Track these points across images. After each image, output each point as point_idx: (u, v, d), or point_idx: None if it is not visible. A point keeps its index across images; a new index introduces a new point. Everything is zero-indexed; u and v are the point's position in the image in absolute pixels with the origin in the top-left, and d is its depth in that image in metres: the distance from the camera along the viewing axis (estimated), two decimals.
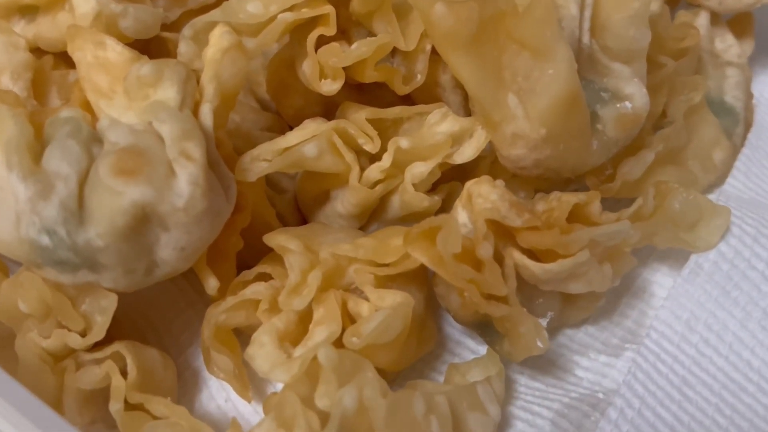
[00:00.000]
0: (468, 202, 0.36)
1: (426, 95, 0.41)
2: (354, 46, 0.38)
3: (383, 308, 0.34)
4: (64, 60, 0.40)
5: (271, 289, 0.36)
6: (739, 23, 0.49)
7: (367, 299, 0.35)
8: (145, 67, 0.33)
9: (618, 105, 0.37)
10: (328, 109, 0.42)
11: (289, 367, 0.32)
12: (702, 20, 0.46)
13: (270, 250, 0.37)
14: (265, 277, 0.37)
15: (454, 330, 0.41)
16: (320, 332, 0.33)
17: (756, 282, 0.39)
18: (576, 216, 0.37)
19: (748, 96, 0.47)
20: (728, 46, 0.47)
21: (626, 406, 0.36)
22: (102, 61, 0.34)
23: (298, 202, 0.42)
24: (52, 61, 0.40)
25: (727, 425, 0.36)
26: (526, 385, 0.39)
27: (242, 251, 0.39)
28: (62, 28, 0.39)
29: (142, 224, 0.31)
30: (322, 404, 0.30)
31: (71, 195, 0.30)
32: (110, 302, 0.34)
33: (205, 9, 0.43)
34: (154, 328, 0.41)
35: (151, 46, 0.44)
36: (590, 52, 0.37)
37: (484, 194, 0.35)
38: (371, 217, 0.41)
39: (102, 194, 0.30)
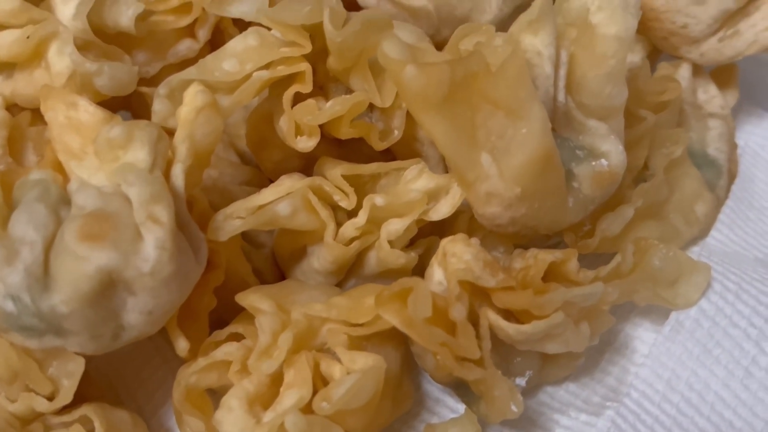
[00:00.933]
0: (443, 260, 0.36)
1: (405, 149, 0.41)
2: (329, 104, 0.38)
3: (355, 371, 0.33)
4: (41, 116, 0.40)
5: (243, 349, 0.35)
6: (722, 74, 0.49)
7: (340, 360, 0.34)
8: (116, 129, 0.33)
9: (593, 163, 0.37)
10: (308, 162, 0.42)
11: None
12: (684, 72, 0.46)
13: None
14: (237, 336, 0.36)
15: (433, 387, 0.40)
16: (290, 396, 0.33)
17: (738, 340, 0.38)
18: (553, 274, 0.36)
19: (732, 147, 0.47)
20: (711, 97, 0.47)
21: None
22: (74, 122, 0.34)
23: (276, 257, 0.42)
24: (29, 117, 0.40)
25: None
26: None
27: (218, 308, 0.38)
28: (39, 84, 0.39)
29: (107, 289, 0.31)
30: None
31: (36, 261, 0.30)
32: (77, 366, 0.33)
33: (185, 63, 0.43)
34: (128, 385, 0.40)
35: (132, 101, 0.44)
36: (566, 110, 0.37)
37: (458, 254, 0.35)
38: (349, 272, 0.40)
39: (66, 260, 0.30)
